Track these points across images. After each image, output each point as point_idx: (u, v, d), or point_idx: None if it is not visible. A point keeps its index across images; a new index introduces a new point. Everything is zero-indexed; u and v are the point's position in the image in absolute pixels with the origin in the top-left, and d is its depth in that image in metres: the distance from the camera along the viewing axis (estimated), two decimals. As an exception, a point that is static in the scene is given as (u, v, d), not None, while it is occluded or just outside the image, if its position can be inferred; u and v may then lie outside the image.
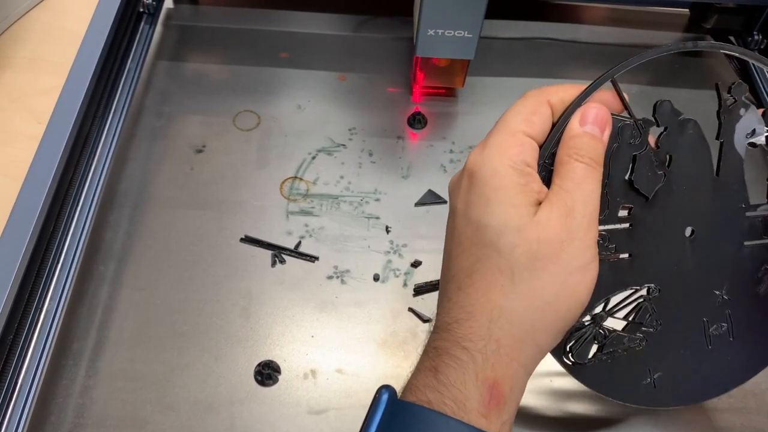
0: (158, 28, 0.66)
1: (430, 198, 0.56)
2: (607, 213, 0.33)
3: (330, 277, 0.51)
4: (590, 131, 0.31)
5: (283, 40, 0.67)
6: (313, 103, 0.62)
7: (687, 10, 0.72)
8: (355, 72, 0.65)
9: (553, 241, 0.29)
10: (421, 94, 0.63)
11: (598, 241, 0.32)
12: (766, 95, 0.63)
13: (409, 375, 0.31)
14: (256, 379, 0.46)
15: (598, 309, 0.35)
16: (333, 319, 0.49)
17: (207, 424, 0.44)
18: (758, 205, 0.37)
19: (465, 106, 0.63)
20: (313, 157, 0.58)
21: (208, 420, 0.44)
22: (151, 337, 0.47)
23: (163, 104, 0.61)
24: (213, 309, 0.49)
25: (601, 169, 0.31)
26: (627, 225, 0.34)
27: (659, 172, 0.34)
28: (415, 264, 0.52)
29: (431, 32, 0.54)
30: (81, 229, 0.49)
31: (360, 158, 0.58)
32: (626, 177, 0.33)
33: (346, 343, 0.48)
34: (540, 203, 0.30)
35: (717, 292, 0.37)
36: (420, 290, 0.50)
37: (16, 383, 0.41)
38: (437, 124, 0.61)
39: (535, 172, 0.31)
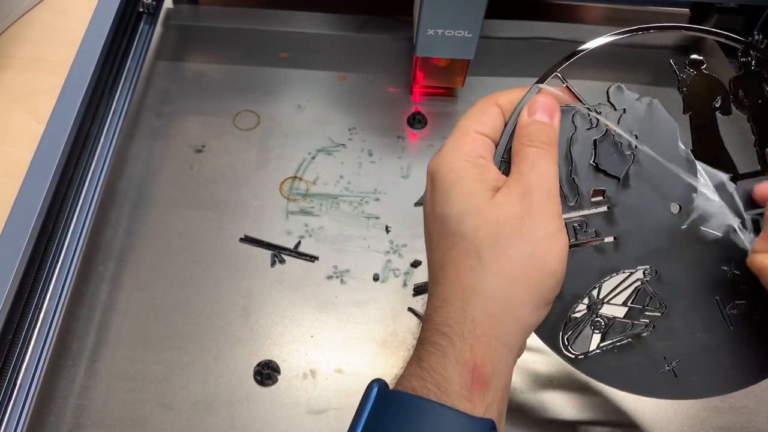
0: (158, 28, 0.66)
1: (430, 198, 0.56)
2: (578, 199, 0.34)
3: (330, 277, 0.51)
4: (539, 119, 0.33)
5: (283, 40, 0.67)
6: (313, 103, 0.62)
7: (687, 10, 0.72)
8: (355, 72, 0.65)
9: (513, 218, 0.30)
10: (421, 93, 0.63)
11: (575, 227, 0.33)
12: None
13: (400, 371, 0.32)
14: (256, 379, 0.45)
15: (593, 295, 0.35)
16: (333, 319, 0.49)
17: (207, 424, 0.44)
18: (747, 175, 0.35)
19: (465, 106, 0.63)
20: (313, 157, 0.58)
21: (208, 420, 0.44)
22: (150, 337, 0.47)
23: (163, 104, 0.61)
24: (213, 309, 0.49)
25: (554, 151, 0.32)
26: (604, 208, 0.34)
27: (627, 153, 0.34)
28: (415, 264, 0.52)
29: (431, 32, 0.54)
30: (80, 229, 0.49)
31: (360, 158, 0.58)
32: (591, 161, 0.34)
33: (345, 343, 0.48)
34: (498, 190, 0.31)
35: (725, 268, 0.35)
36: (420, 290, 0.50)
37: (15, 383, 0.41)
38: (437, 123, 0.61)
39: (490, 163, 0.33)
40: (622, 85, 0.36)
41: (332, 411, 0.45)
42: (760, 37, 0.66)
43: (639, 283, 0.35)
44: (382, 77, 0.64)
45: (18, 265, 0.42)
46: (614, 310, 0.35)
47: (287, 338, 0.47)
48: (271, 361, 0.46)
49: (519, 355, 0.32)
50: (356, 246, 0.52)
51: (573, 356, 0.35)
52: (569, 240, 0.32)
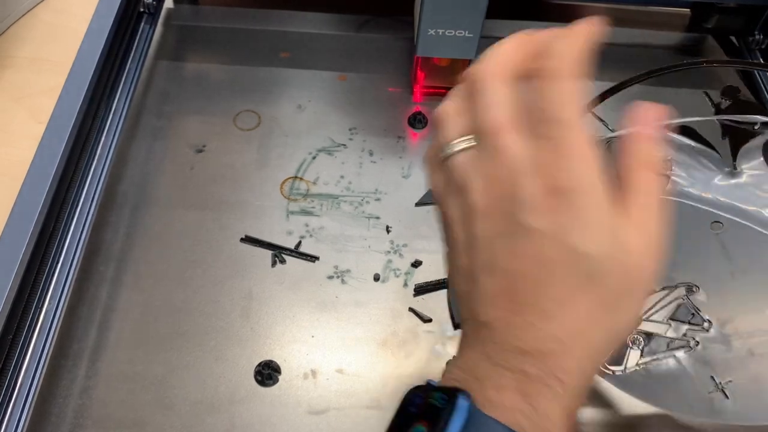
0: (158, 28, 0.66)
1: (431, 198, 0.55)
2: None
3: (330, 277, 0.51)
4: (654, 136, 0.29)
5: (283, 40, 0.67)
6: (313, 103, 0.62)
7: (688, 9, 0.72)
8: (355, 72, 0.64)
9: (645, 268, 0.27)
10: (422, 93, 0.63)
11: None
12: (767, 95, 0.63)
13: (467, 380, 0.29)
14: (256, 379, 0.45)
15: None
16: (333, 319, 0.49)
17: (207, 424, 0.44)
18: None
19: (465, 106, 0.62)
20: (314, 157, 0.58)
21: (209, 420, 0.44)
22: (151, 338, 0.47)
23: (164, 104, 0.61)
24: (213, 309, 0.49)
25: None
26: None
27: (666, 173, 0.33)
28: (416, 264, 0.52)
29: (432, 32, 0.54)
30: (81, 229, 0.49)
31: (360, 158, 0.58)
32: None
33: (346, 343, 0.48)
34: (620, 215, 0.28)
35: None
36: (420, 290, 0.50)
37: (15, 383, 0.41)
38: (438, 124, 0.61)
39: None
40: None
41: (333, 411, 0.45)
42: (761, 37, 0.66)
43: (680, 299, 0.34)
44: (383, 77, 0.64)
45: (18, 266, 0.42)
46: (655, 327, 0.34)
47: (288, 338, 0.47)
48: (271, 361, 0.46)
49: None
50: (357, 246, 0.52)
51: (611, 372, 0.34)
52: None
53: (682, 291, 0.34)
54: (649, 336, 0.34)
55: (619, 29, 0.70)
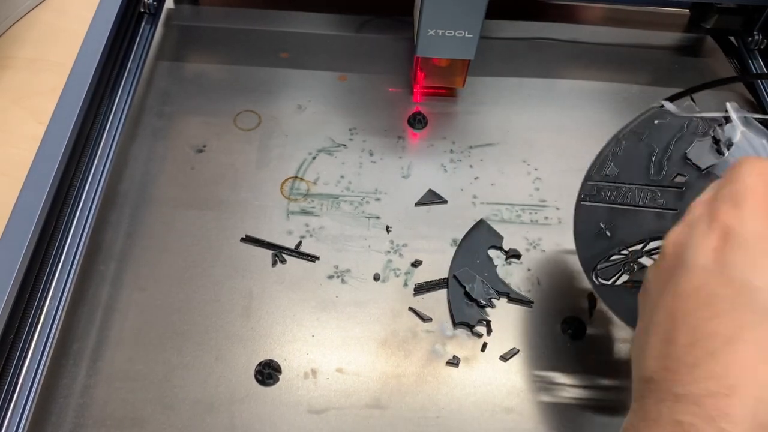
0: (159, 28, 0.66)
1: (431, 198, 0.56)
2: (660, 179, 0.41)
3: (330, 277, 0.51)
4: None
5: (283, 40, 0.67)
6: (313, 103, 0.62)
7: (687, 10, 0.72)
8: (355, 72, 0.65)
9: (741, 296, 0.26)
10: (422, 94, 0.63)
11: (648, 195, 0.41)
12: (766, 97, 0.63)
13: None
14: (257, 379, 0.46)
15: (637, 247, 0.42)
16: (333, 318, 0.49)
17: (207, 423, 0.44)
18: None
19: (465, 106, 0.63)
20: (314, 157, 0.58)
21: (209, 420, 0.44)
22: (151, 337, 0.47)
23: (164, 104, 0.61)
24: (213, 309, 0.49)
25: None
26: (679, 188, 0.41)
27: (719, 154, 0.40)
28: (416, 264, 0.52)
29: (431, 32, 0.54)
30: (81, 229, 0.49)
31: (360, 158, 0.58)
32: (685, 152, 0.40)
33: (346, 342, 0.48)
34: None
35: None
36: (420, 290, 0.50)
37: (16, 383, 0.41)
38: (438, 124, 0.61)
39: None
40: (736, 104, 0.40)
41: (333, 411, 0.45)
42: (760, 37, 0.67)
43: None
44: (383, 77, 0.64)
45: (19, 266, 0.42)
46: (650, 261, 0.41)
47: (288, 338, 0.48)
48: (272, 361, 0.46)
49: None
50: (357, 246, 0.52)
51: (598, 283, 0.43)
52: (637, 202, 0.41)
53: None
54: (640, 267, 0.42)
55: (619, 29, 0.71)
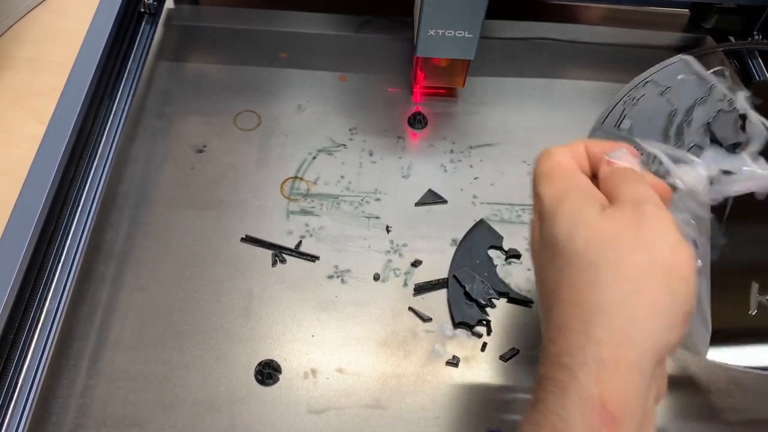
0: (159, 28, 0.66)
1: (431, 198, 0.56)
2: (680, 144, 0.36)
3: (330, 277, 0.51)
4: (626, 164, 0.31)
5: (283, 40, 0.67)
6: (313, 103, 0.62)
7: (687, 10, 0.72)
8: (355, 72, 0.65)
9: (628, 227, 0.27)
10: (422, 94, 0.63)
11: (659, 160, 0.33)
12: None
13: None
14: (257, 379, 0.46)
15: None
16: (333, 318, 0.49)
17: (207, 423, 0.44)
18: None
19: (465, 106, 0.63)
20: (314, 157, 0.58)
21: (209, 420, 0.44)
22: (151, 337, 0.47)
23: (164, 104, 0.61)
24: (213, 309, 0.49)
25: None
26: (695, 159, 0.34)
27: (741, 133, 0.35)
28: (416, 263, 0.52)
29: (431, 32, 0.54)
30: (81, 230, 0.49)
31: (360, 158, 0.58)
32: (706, 121, 0.36)
33: (346, 342, 0.48)
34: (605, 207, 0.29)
35: None
36: (420, 290, 0.50)
37: (16, 383, 0.41)
38: (438, 124, 0.61)
39: (591, 185, 0.30)
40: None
41: (333, 410, 0.45)
42: (759, 37, 0.67)
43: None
44: (383, 77, 0.64)
45: (19, 266, 0.42)
46: None
47: (288, 338, 0.48)
48: (272, 361, 0.46)
49: (659, 390, 0.27)
50: (357, 246, 0.52)
51: None
52: (649, 168, 0.32)
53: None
54: None
55: (619, 29, 0.71)
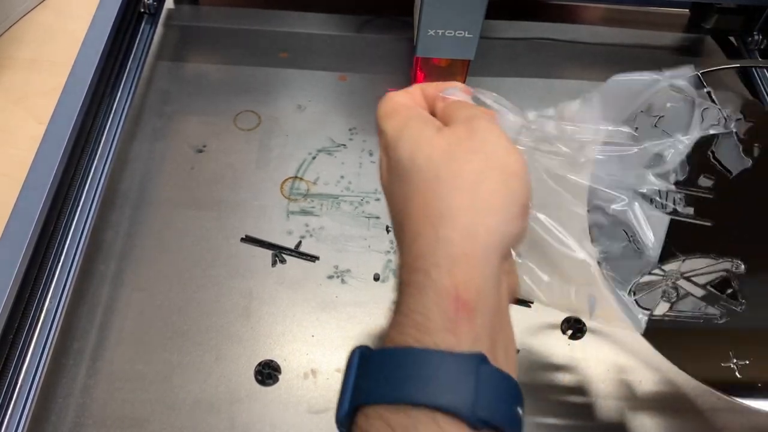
0: (159, 28, 0.66)
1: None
2: (684, 177, 0.34)
3: (330, 277, 0.51)
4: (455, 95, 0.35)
5: (283, 40, 0.67)
6: (313, 103, 0.62)
7: (687, 10, 0.72)
8: (355, 72, 0.65)
9: (463, 138, 0.29)
10: (422, 94, 0.63)
11: (675, 199, 0.34)
12: (766, 96, 0.63)
13: None
14: (257, 379, 0.46)
15: (673, 266, 0.35)
16: (333, 318, 0.49)
17: (207, 423, 0.44)
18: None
19: (465, 106, 0.63)
20: (314, 157, 0.58)
21: (209, 419, 0.44)
22: (151, 337, 0.47)
23: (164, 104, 0.61)
24: (213, 309, 0.49)
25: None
26: (707, 194, 0.35)
27: (745, 158, 0.35)
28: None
29: (431, 32, 0.54)
30: (81, 229, 0.49)
31: (360, 158, 0.58)
32: (710, 150, 0.35)
33: (346, 342, 0.48)
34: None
35: None
36: (420, 290, 0.50)
37: (16, 382, 0.41)
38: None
39: (427, 113, 0.33)
40: (763, 104, 0.37)
41: (333, 411, 0.44)
42: (760, 37, 0.67)
43: (725, 272, 0.35)
44: (382, 77, 0.64)
45: (19, 265, 0.42)
46: (691, 287, 0.35)
47: (288, 338, 0.48)
48: (271, 361, 0.46)
49: (510, 285, 0.30)
50: (357, 246, 0.52)
51: (639, 315, 0.34)
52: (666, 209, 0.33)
53: (728, 265, 0.35)
54: (682, 293, 0.35)
55: (619, 29, 0.71)
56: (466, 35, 0.54)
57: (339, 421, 0.26)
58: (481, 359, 0.25)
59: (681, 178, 0.34)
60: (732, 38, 0.69)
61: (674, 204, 0.35)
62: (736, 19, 0.68)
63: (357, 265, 0.51)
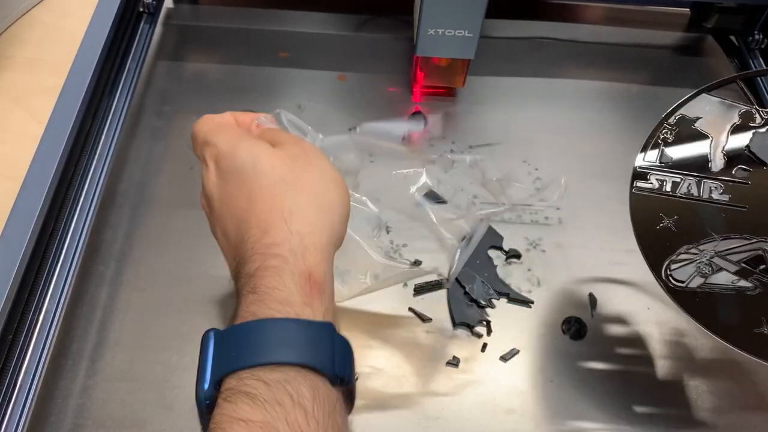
0: (158, 28, 0.66)
1: (431, 198, 0.56)
2: (721, 169, 0.39)
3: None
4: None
5: (283, 40, 0.67)
6: (313, 103, 0.62)
7: (687, 9, 0.72)
8: (355, 72, 0.64)
9: (299, 155, 0.35)
10: (422, 93, 0.63)
11: (711, 187, 0.40)
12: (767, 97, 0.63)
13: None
14: (256, 379, 0.45)
15: (709, 246, 0.39)
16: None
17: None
18: None
19: (465, 106, 0.63)
20: (313, 157, 0.58)
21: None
22: (150, 338, 0.47)
23: (163, 104, 0.61)
24: (213, 309, 0.49)
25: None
26: (742, 181, 0.40)
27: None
28: (416, 263, 0.52)
29: (431, 32, 0.54)
30: (81, 229, 0.49)
31: (360, 158, 0.58)
32: (745, 145, 0.40)
33: (346, 343, 0.47)
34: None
35: None
36: (420, 290, 0.50)
37: (15, 383, 0.41)
38: (438, 123, 0.61)
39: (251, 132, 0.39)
40: None
41: (333, 411, 0.44)
42: (760, 36, 0.66)
43: (760, 251, 0.38)
44: (382, 77, 0.64)
45: (18, 266, 0.42)
46: (725, 263, 0.39)
47: (288, 338, 0.47)
48: (271, 361, 0.46)
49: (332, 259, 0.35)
50: (356, 246, 0.52)
51: (672, 285, 0.38)
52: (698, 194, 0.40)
53: (762, 244, 0.39)
54: (716, 268, 0.39)
55: (619, 29, 0.71)
56: (466, 35, 0.54)
57: (202, 396, 0.28)
58: (332, 328, 0.30)
59: (717, 169, 0.40)
60: (733, 38, 0.69)
61: (710, 191, 0.40)
62: (736, 18, 0.68)
63: (357, 266, 0.51)
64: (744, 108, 0.41)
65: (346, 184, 0.36)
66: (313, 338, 0.29)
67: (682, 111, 0.40)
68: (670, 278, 0.38)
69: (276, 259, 0.31)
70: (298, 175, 0.34)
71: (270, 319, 0.29)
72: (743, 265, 0.38)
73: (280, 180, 0.33)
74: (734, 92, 0.44)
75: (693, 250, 0.39)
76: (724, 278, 0.38)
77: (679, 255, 0.39)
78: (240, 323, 0.29)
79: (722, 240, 0.39)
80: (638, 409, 0.46)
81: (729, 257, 0.39)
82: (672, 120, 0.40)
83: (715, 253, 0.39)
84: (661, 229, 0.39)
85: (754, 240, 0.39)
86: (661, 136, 0.40)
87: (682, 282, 0.38)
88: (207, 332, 0.30)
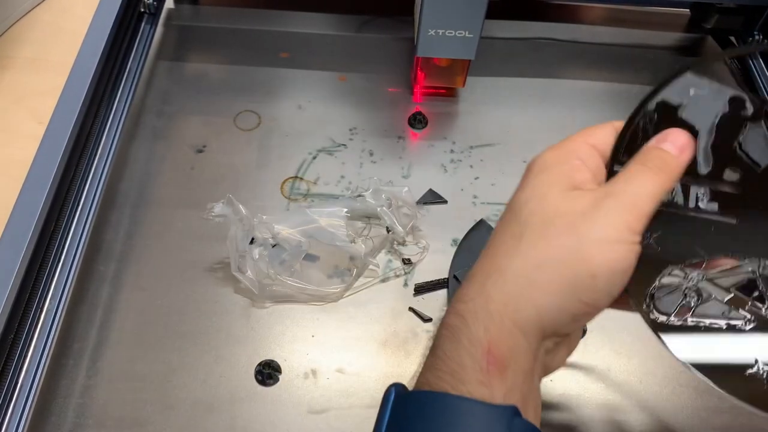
0: (159, 28, 0.66)
1: (431, 197, 0.56)
2: (709, 170, 0.32)
3: (330, 277, 0.51)
4: (665, 148, 0.31)
5: (283, 40, 0.67)
6: (313, 103, 0.62)
7: (687, 10, 0.72)
8: (355, 72, 0.65)
9: (574, 213, 0.28)
10: (422, 94, 0.63)
11: (697, 195, 0.32)
12: (765, 93, 0.63)
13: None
14: (257, 379, 0.46)
15: (695, 269, 0.32)
16: (333, 318, 0.49)
17: (208, 423, 0.44)
18: None
19: (466, 106, 0.63)
20: (314, 157, 0.58)
21: (209, 420, 0.44)
22: (151, 337, 0.47)
23: (164, 104, 0.61)
24: (213, 309, 0.49)
25: (666, 179, 0.30)
26: (731, 189, 0.32)
27: None
28: (408, 263, 0.52)
29: (432, 32, 0.54)
30: (81, 229, 0.49)
31: (361, 158, 0.58)
32: (737, 141, 0.32)
33: (346, 342, 0.48)
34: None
35: None
36: (420, 290, 0.50)
37: (16, 383, 0.41)
38: (438, 124, 0.61)
39: (584, 166, 0.30)
40: None
41: (333, 411, 0.45)
42: (760, 37, 0.67)
43: (753, 274, 0.32)
44: (383, 77, 0.64)
45: (19, 265, 0.42)
46: (715, 290, 0.32)
47: (288, 338, 0.48)
48: (272, 361, 0.46)
49: (546, 367, 0.30)
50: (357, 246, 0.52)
51: (654, 317, 0.32)
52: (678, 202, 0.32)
53: (755, 266, 0.33)
54: (705, 296, 0.32)
55: (619, 29, 0.71)
56: (467, 35, 0.54)
57: None
58: (513, 411, 0.25)
59: (704, 171, 0.32)
60: (732, 38, 0.69)
61: (697, 199, 0.32)
62: (736, 18, 0.68)
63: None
64: (734, 93, 0.33)
65: (604, 279, 0.27)
66: (482, 422, 0.25)
67: (663, 96, 0.33)
68: (654, 309, 0.32)
69: (457, 318, 0.27)
70: (546, 234, 0.28)
71: (440, 393, 0.26)
72: (734, 291, 0.32)
73: (519, 233, 0.28)
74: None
75: (677, 272, 0.32)
76: (714, 309, 0.32)
77: (662, 280, 0.32)
78: (416, 391, 0.27)
79: (709, 261, 0.32)
80: (633, 405, 0.46)
81: (718, 281, 0.33)
82: (651, 106, 0.33)
83: (703, 276, 0.32)
84: (645, 247, 0.31)
85: (746, 261, 0.33)
86: (641, 125, 0.33)
87: (667, 314, 0.32)
88: (389, 388, 0.28)
